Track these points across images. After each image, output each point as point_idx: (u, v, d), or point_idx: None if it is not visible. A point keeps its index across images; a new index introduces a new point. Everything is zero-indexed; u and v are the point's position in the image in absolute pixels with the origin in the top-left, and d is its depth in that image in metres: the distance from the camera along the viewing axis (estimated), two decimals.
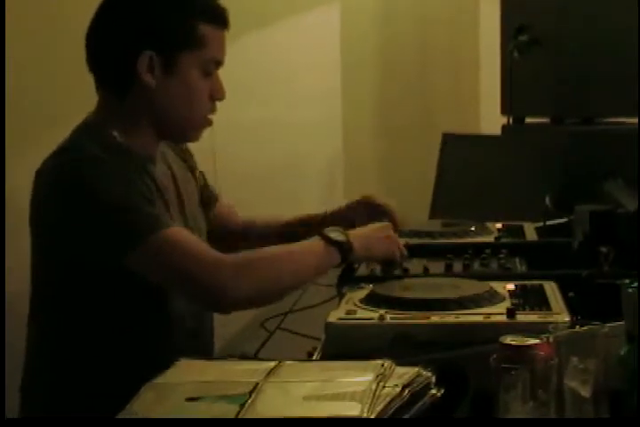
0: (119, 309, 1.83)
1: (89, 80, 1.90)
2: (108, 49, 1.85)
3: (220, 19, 1.87)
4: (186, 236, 1.77)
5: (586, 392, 1.22)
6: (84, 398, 1.83)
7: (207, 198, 2.12)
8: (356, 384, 1.23)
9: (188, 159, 2.08)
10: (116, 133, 1.84)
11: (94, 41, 1.86)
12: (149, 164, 1.89)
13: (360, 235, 1.90)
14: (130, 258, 1.72)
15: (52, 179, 1.79)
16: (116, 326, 1.83)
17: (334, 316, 1.60)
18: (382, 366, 1.29)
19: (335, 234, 1.84)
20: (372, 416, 1.15)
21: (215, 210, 2.15)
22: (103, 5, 1.87)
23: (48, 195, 1.79)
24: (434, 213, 3.33)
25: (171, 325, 1.88)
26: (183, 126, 1.90)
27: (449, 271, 1.95)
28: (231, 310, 1.80)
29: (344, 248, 1.83)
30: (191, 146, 2.13)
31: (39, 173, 1.82)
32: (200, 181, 2.11)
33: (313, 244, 1.84)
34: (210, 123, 1.93)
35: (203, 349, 1.98)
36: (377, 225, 1.96)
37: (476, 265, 1.99)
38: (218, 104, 1.98)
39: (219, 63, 1.90)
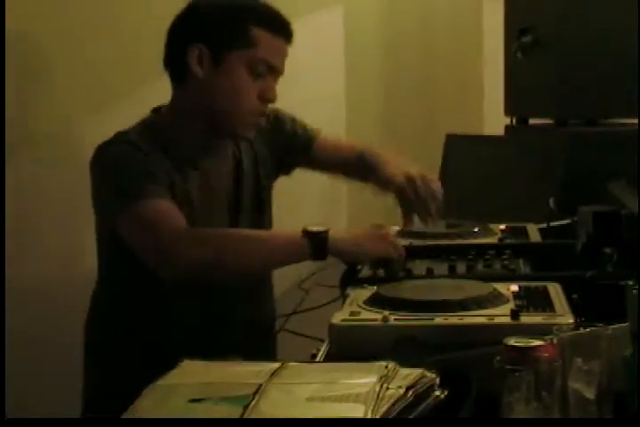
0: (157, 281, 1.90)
1: None
2: (171, 44, 1.99)
3: (276, 26, 1.97)
4: (165, 208, 1.86)
5: (590, 394, 1.22)
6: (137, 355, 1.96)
7: (301, 147, 2.22)
8: (360, 386, 1.23)
9: (253, 151, 2.14)
10: (168, 123, 1.98)
11: (167, 40, 2.00)
12: (198, 154, 1.99)
13: (350, 231, 1.95)
14: (116, 224, 1.87)
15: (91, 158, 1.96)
16: (158, 298, 1.95)
17: (338, 317, 1.60)
18: (386, 367, 1.29)
19: (315, 226, 1.88)
20: (376, 418, 1.15)
21: (315, 150, 2.24)
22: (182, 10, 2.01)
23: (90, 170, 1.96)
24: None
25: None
26: (229, 122, 1.98)
27: (452, 273, 1.95)
28: (172, 275, 1.85)
29: (316, 239, 1.85)
30: None
31: None
32: (287, 134, 2.20)
33: (287, 233, 1.89)
34: (259, 124, 2.01)
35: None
36: (374, 225, 1.97)
37: (480, 266, 1.99)
38: None
39: (271, 67, 1.98)
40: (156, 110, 2.04)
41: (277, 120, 2.19)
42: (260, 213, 2.11)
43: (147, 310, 1.98)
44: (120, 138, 1.96)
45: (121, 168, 1.90)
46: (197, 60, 1.93)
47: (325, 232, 1.86)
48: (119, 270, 2.00)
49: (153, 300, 1.97)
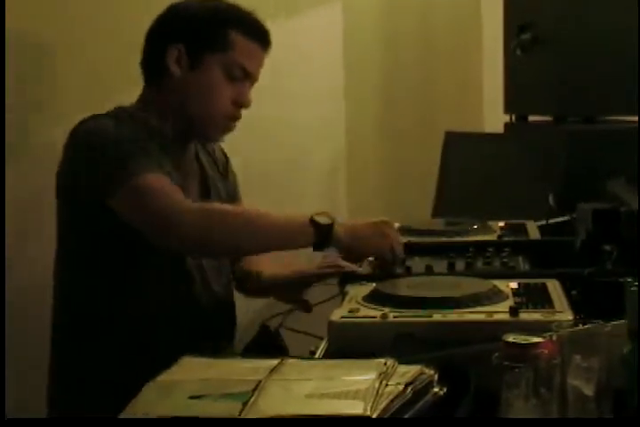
0: (135, 267, 1.92)
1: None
2: (150, 43, 2.01)
3: (254, 32, 2.01)
4: (163, 183, 1.86)
5: (589, 391, 1.22)
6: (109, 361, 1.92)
7: (232, 198, 2.19)
8: (359, 382, 1.23)
9: (219, 161, 2.17)
10: (151, 119, 1.98)
11: (146, 40, 2.03)
12: (177, 147, 2.00)
13: (353, 225, 1.94)
14: (112, 198, 1.84)
15: (69, 136, 1.94)
16: (134, 286, 1.93)
17: (337, 314, 1.60)
18: (385, 364, 1.29)
19: (322, 217, 1.88)
20: (375, 414, 1.15)
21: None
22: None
23: (65, 147, 1.95)
24: (436, 211, 3.33)
25: (187, 280, 1.96)
26: (201, 123, 1.99)
27: (452, 270, 1.95)
28: (175, 243, 1.85)
29: (322, 230, 1.86)
30: None
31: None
32: (232, 181, 2.20)
33: (295, 219, 1.89)
34: (231, 128, 2.03)
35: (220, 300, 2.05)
36: (377, 220, 1.97)
37: (479, 264, 1.99)
38: None
39: (247, 72, 2.00)
40: (121, 108, 2.02)
41: (227, 158, 2.21)
42: None
43: (120, 303, 1.95)
44: (104, 114, 1.96)
45: (116, 139, 1.88)
46: (176, 60, 1.96)
47: (331, 225, 1.87)
48: (92, 262, 1.95)
49: (129, 290, 1.95)
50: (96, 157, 1.87)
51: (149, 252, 1.89)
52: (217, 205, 1.92)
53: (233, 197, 2.18)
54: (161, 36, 2.00)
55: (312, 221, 1.87)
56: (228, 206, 1.95)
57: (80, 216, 1.94)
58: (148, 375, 1.28)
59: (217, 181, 2.12)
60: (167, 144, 1.97)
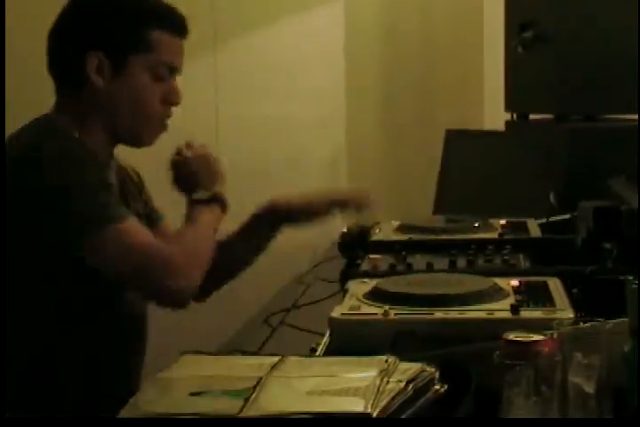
0: (70, 307, 1.81)
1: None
2: (62, 49, 1.87)
3: (175, 26, 1.89)
4: (140, 228, 1.80)
5: (590, 388, 1.22)
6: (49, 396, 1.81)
7: (150, 220, 2.06)
8: (360, 380, 1.23)
9: (133, 177, 2.06)
10: (75, 131, 1.84)
11: (52, 42, 1.88)
12: (106, 168, 1.89)
13: (205, 179, 1.95)
14: (86, 248, 1.73)
15: (12, 169, 1.75)
16: (68, 325, 1.81)
17: (338, 311, 1.60)
18: (386, 361, 1.29)
19: (201, 194, 1.91)
20: (376, 412, 1.16)
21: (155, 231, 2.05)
22: (65, 8, 1.88)
23: (9, 187, 1.75)
24: (437, 208, 3.33)
25: (120, 325, 1.87)
26: (134, 129, 1.89)
27: (453, 267, 1.95)
28: (188, 304, 1.82)
29: (218, 199, 1.91)
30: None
31: None
32: (147, 201, 2.08)
33: (203, 212, 1.89)
34: (165, 127, 1.92)
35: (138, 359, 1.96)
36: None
37: (480, 261, 1.99)
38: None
39: (173, 69, 1.89)
40: (37, 119, 1.87)
41: (140, 178, 2.09)
42: None
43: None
44: (56, 130, 1.81)
45: (78, 180, 1.74)
46: (97, 69, 1.83)
47: (219, 194, 1.92)
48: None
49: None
50: (61, 205, 1.73)
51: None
52: (182, 244, 1.83)
53: (151, 216, 2.06)
54: (75, 41, 1.85)
55: (205, 200, 1.90)
56: (184, 240, 1.86)
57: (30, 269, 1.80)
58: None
59: (135, 199, 2.02)
60: (100, 163, 1.86)
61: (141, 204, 2.03)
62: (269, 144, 3.37)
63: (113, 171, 1.93)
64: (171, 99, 1.90)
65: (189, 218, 1.89)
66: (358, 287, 1.74)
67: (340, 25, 3.93)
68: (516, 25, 3.46)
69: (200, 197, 1.90)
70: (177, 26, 1.90)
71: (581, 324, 1.31)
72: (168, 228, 2.07)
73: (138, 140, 1.93)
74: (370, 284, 1.74)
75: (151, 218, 2.04)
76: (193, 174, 1.95)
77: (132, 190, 2.01)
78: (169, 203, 2.03)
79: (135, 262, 1.75)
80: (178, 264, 1.76)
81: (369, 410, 1.15)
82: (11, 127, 1.92)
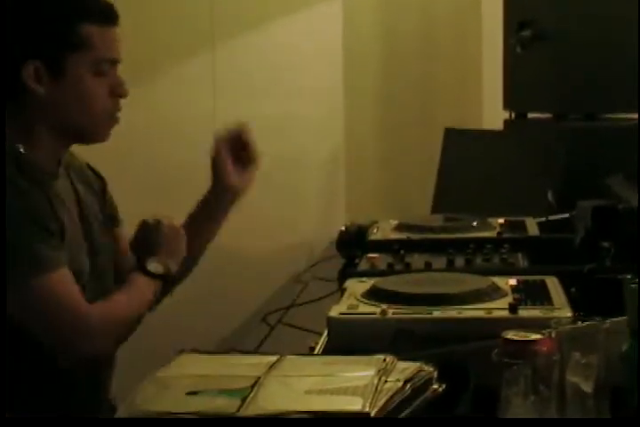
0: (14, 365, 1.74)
1: None
2: None
3: (104, 16, 1.81)
4: (66, 284, 1.73)
5: (588, 387, 1.22)
6: None
7: (107, 225, 2.00)
8: (358, 379, 1.23)
9: (93, 182, 1.99)
10: (20, 146, 1.78)
11: None
12: (52, 179, 1.83)
13: (169, 252, 1.88)
14: (9, 295, 1.67)
15: None
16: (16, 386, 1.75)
17: (336, 310, 1.60)
18: (384, 360, 1.29)
19: (154, 266, 1.84)
20: (374, 411, 1.16)
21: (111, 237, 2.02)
22: None
23: None
24: (436, 207, 3.33)
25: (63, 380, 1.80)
26: (85, 128, 1.84)
27: (451, 266, 1.95)
28: (89, 354, 1.76)
29: (165, 278, 1.85)
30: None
31: None
32: (109, 203, 2.02)
33: (145, 283, 1.83)
34: (116, 121, 1.86)
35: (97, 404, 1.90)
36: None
37: (478, 260, 1.99)
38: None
39: (113, 61, 1.83)
40: None
41: (102, 179, 2.01)
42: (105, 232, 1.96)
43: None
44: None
45: (15, 223, 1.68)
46: (35, 78, 1.74)
47: (169, 271, 1.85)
48: None
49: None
50: None
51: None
52: (106, 308, 1.78)
53: (111, 219, 2.00)
54: (6, 54, 1.76)
55: (152, 275, 1.83)
56: (110, 305, 1.79)
57: None
58: None
59: (93, 203, 1.95)
60: (41, 178, 1.79)
61: (96, 208, 1.95)
62: (268, 143, 3.36)
63: (63, 179, 1.86)
64: (117, 92, 1.83)
65: (129, 282, 1.83)
66: (356, 286, 1.74)
67: (338, 24, 3.93)
68: (515, 24, 3.46)
69: (151, 270, 1.84)
70: (104, 15, 1.81)
71: (579, 323, 1.31)
72: (125, 236, 2.00)
73: (92, 138, 1.87)
74: (368, 283, 1.74)
75: (107, 224, 1.97)
76: (156, 242, 1.89)
77: (84, 194, 1.92)
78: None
79: (49, 314, 1.71)
80: (90, 327, 1.72)
81: (367, 409, 1.15)
82: None
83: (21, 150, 1.77)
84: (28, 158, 1.77)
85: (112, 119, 1.86)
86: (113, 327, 1.76)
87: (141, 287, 1.83)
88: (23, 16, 1.77)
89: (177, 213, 1.94)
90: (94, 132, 1.85)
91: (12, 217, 1.68)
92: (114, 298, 1.81)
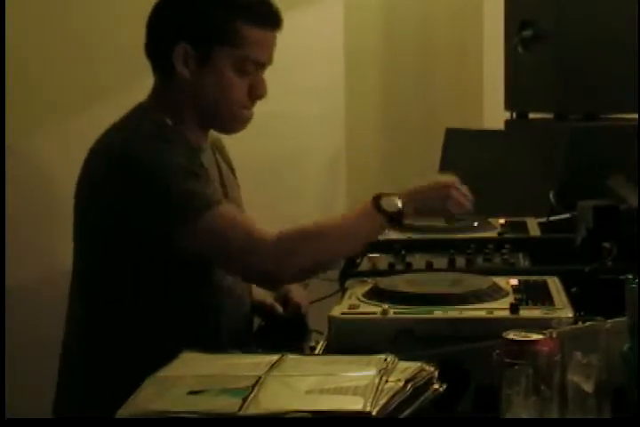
0: (165, 287, 1.87)
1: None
2: (153, 40, 1.95)
3: (265, 20, 1.92)
4: (237, 213, 1.85)
5: (589, 387, 1.22)
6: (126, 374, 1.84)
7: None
8: (359, 378, 1.23)
9: (228, 160, 2.14)
10: (168, 119, 1.91)
11: (148, 28, 1.95)
12: (198, 151, 1.95)
13: (415, 198, 1.92)
14: (181, 232, 1.78)
15: (107, 157, 1.86)
16: (163, 304, 1.87)
17: (337, 310, 1.60)
18: (385, 360, 1.29)
19: (388, 203, 1.87)
20: (375, 411, 1.15)
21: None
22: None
23: (102, 173, 1.86)
24: None
25: (216, 299, 1.92)
26: (220, 117, 1.96)
27: (452, 266, 1.95)
28: (278, 287, 1.95)
29: (393, 217, 1.87)
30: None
31: (94, 152, 1.90)
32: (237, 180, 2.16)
33: (360, 216, 1.87)
34: (249, 117, 1.98)
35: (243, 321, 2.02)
36: (437, 183, 2.00)
37: (480, 260, 1.99)
38: None
39: (260, 64, 1.94)
40: (134, 108, 1.96)
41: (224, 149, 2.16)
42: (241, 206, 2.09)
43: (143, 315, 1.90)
44: (139, 133, 1.87)
45: (170, 172, 1.80)
46: (183, 60, 1.89)
47: (400, 212, 1.87)
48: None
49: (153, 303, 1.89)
50: (157, 194, 1.80)
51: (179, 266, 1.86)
52: (291, 231, 1.84)
53: (239, 193, 2.14)
54: (165, 32, 1.92)
55: (379, 209, 1.86)
56: (300, 228, 1.86)
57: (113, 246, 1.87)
58: None
59: (230, 178, 2.08)
60: (193, 149, 1.92)
61: (237, 190, 2.09)
62: (267, 143, 3.36)
63: (209, 154, 2.00)
64: (256, 93, 1.96)
65: (346, 216, 1.91)
66: (358, 286, 1.74)
67: (339, 23, 3.92)
68: (516, 24, 3.45)
69: (385, 207, 1.87)
70: (267, 19, 1.92)
71: (580, 323, 1.31)
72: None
73: (226, 128, 2.00)
74: (369, 283, 1.74)
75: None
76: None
77: (227, 175, 2.06)
78: None
79: (229, 239, 1.80)
80: (267, 249, 1.78)
81: (368, 409, 1.15)
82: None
83: (167, 120, 1.91)
84: (175, 129, 1.91)
85: (244, 115, 1.98)
86: (290, 259, 1.80)
87: (355, 221, 1.88)
88: (193, 2, 1.91)
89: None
90: (228, 123, 1.98)
91: (170, 171, 1.80)
92: (307, 228, 1.86)
